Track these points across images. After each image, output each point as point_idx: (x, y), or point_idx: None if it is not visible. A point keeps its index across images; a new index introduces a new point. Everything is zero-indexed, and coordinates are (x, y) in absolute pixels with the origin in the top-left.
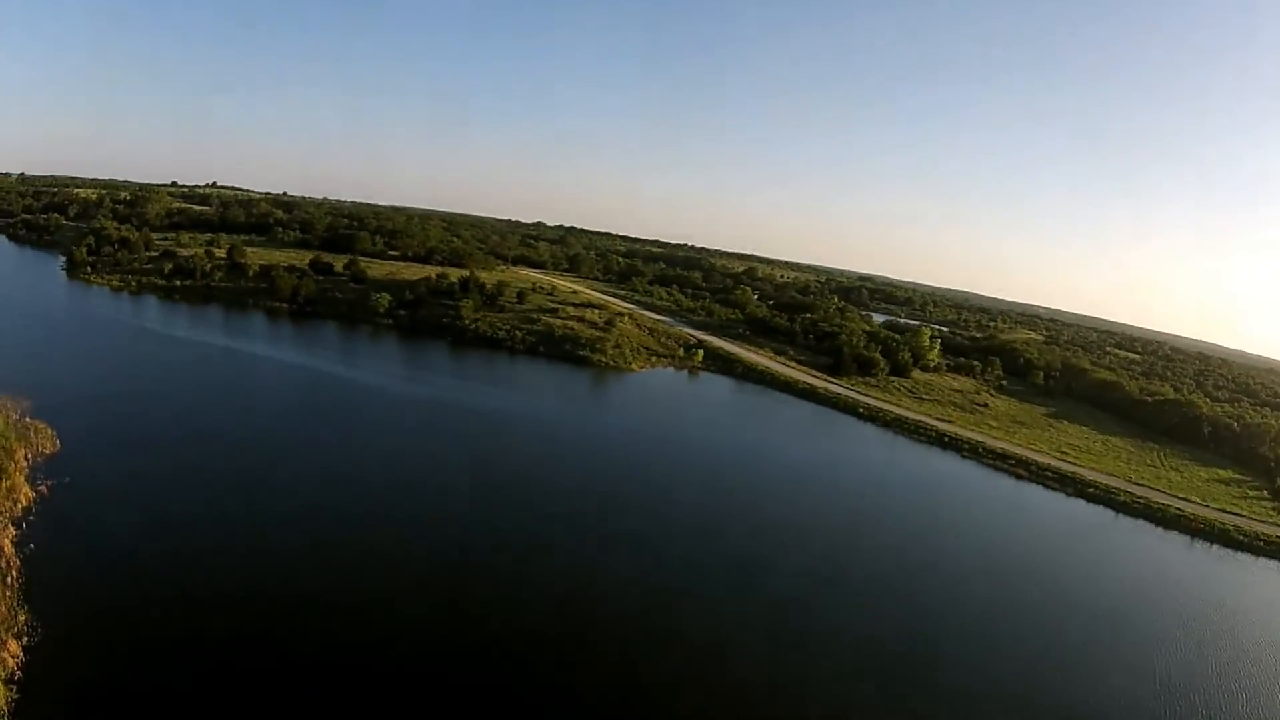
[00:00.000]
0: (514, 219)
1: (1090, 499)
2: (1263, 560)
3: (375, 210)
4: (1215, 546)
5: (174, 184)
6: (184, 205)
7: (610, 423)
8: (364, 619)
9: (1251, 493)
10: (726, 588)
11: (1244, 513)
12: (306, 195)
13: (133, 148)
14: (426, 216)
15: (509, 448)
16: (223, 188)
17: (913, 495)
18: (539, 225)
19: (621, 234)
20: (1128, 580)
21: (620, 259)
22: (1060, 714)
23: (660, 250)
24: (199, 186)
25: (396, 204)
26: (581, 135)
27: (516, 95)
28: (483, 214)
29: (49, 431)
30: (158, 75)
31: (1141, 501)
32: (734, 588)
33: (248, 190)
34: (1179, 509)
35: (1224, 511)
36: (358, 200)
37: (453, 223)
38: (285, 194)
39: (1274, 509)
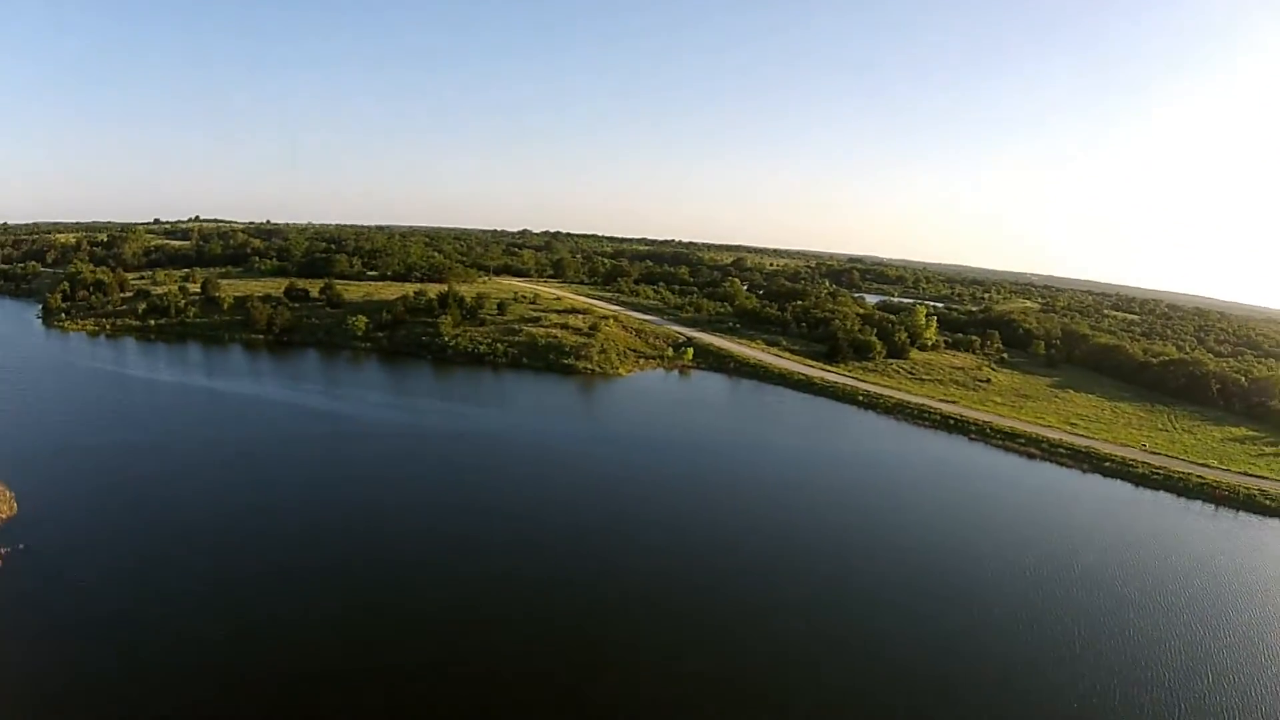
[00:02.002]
0: (500, 228)
1: (1107, 473)
2: None
3: (357, 231)
4: (1241, 513)
5: (156, 221)
6: (162, 242)
7: (592, 437)
8: (356, 688)
9: (1268, 449)
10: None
11: (1267, 474)
12: (291, 221)
13: (115, 188)
14: (409, 233)
15: (481, 476)
16: (205, 221)
17: (924, 489)
18: (524, 233)
19: (608, 235)
20: (1165, 561)
21: (605, 260)
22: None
23: (647, 248)
24: (181, 222)
25: (382, 223)
26: (564, 140)
27: (499, 106)
28: (468, 226)
29: (6, 494)
30: (138, 112)
31: (1161, 472)
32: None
33: (230, 221)
34: (1200, 476)
35: (1246, 475)
36: (343, 223)
37: (435, 237)
38: (268, 222)
39: None
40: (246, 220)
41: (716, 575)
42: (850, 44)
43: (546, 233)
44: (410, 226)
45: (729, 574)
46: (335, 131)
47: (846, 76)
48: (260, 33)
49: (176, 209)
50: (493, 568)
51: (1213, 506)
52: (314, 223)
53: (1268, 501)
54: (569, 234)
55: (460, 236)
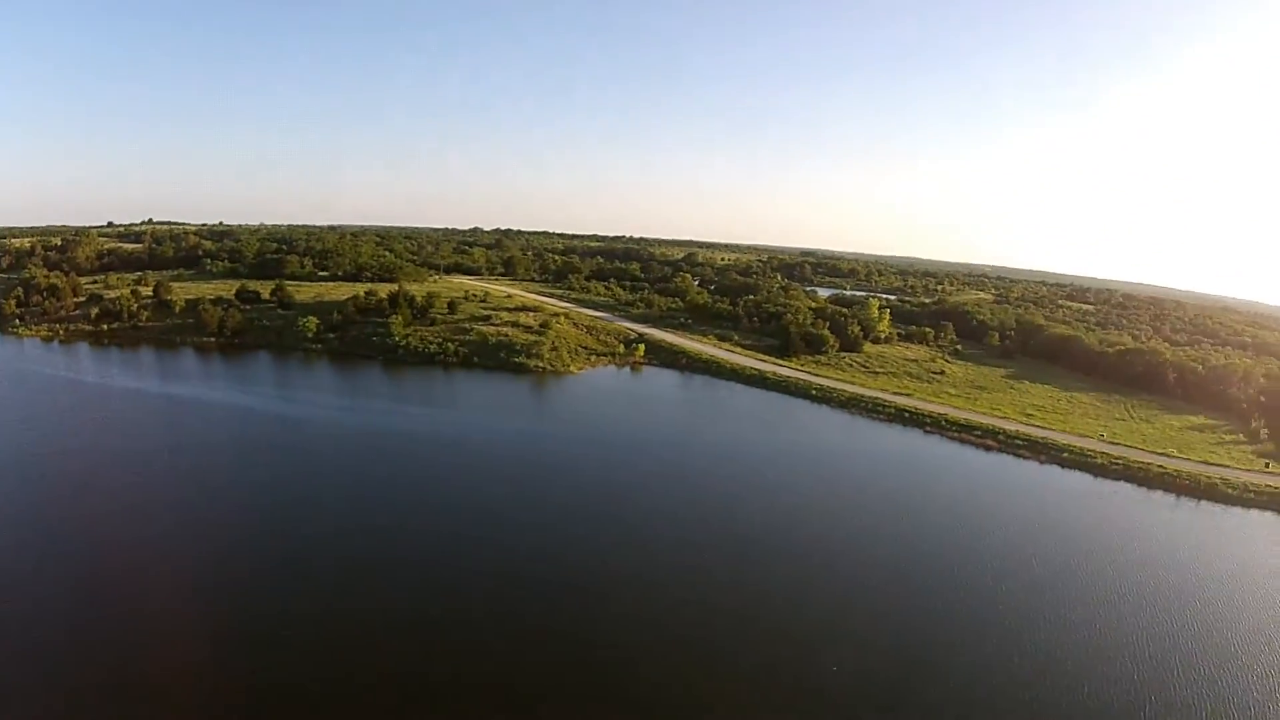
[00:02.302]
0: (451, 227)
1: (1066, 464)
2: (1255, 512)
3: (309, 231)
4: (1203, 502)
5: (109, 224)
6: (116, 245)
7: (544, 436)
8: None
9: (1228, 438)
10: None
11: (1227, 462)
12: (243, 223)
13: (70, 191)
14: (360, 233)
15: (433, 477)
16: (158, 223)
17: (882, 484)
18: (475, 231)
19: (559, 232)
20: (1129, 553)
21: (556, 257)
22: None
23: (598, 244)
24: (134, 224)
25: (334, 223)
26: (518, 136)
27: (452, 103)
28: (419, 225)
29: None
30: (91, 114)
31: (1120, 462)
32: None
33: (183, 224)
34: (1161, 466)
35: (1207, 464)
36: (295, 223)
37: (386, 236)
38: (221, 223)
39: (1254, 453)
40: (199, 222)
41: (677, 573)
42: (802, 35)
43: (498, 230)
44: (361, 226)
45: (689, 571)
46: (287, 131)
47: (797, 69)
48: (218, 28)
49: (130, 211)
50: (450, 569)
51: (1174, 496)
52: (266, 223)
53: (1230, 490)
54: (520, 231)
55: (411, 236)
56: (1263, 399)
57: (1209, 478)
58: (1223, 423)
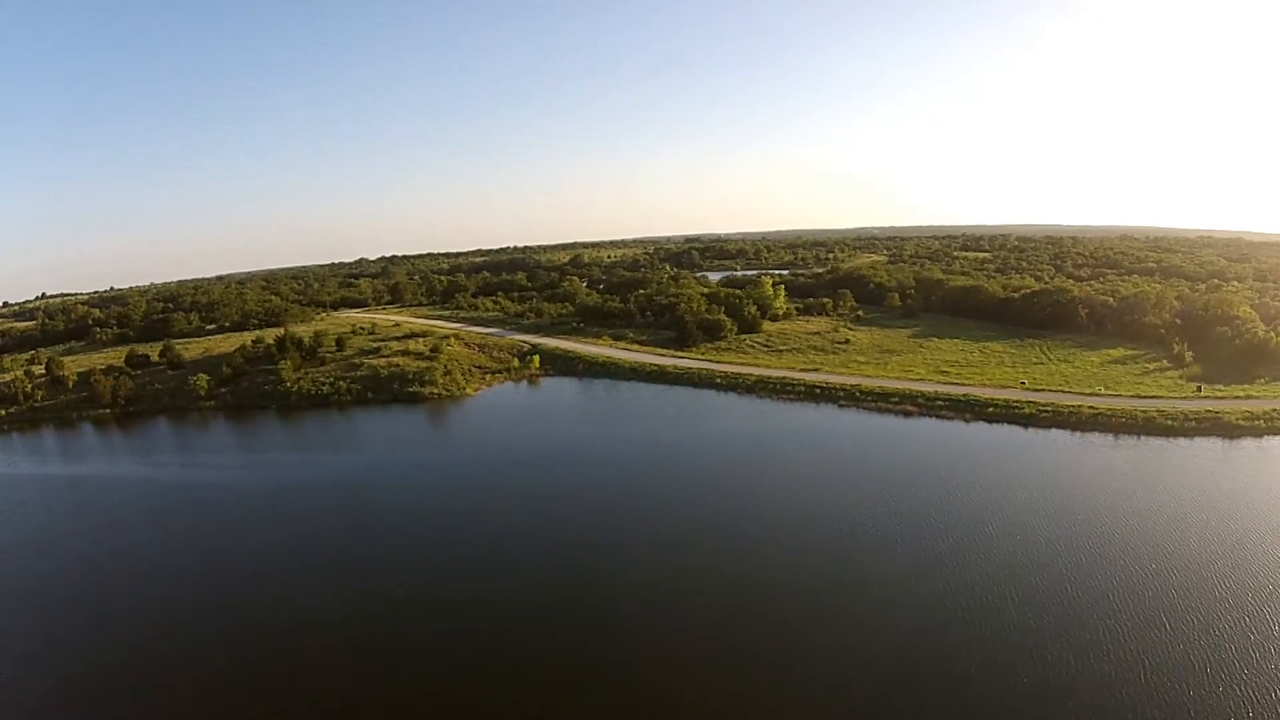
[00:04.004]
0: (337, 260)
1: (992, 419)
2: (1199, 440)
3: (196, 285)
4: (1143, 437)
5: (4, 304)
6: (10, 325)
7: (439, 464)
8: None
9: (1151, 366)
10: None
11: (1158, 392)
12: (134, 285)
13: None
14: (247, 280)
15: (331, 525)
16: (50, 298)
17: (806, 468)
18: (360, 262)
19: (444, 251)
20: (1085, 503)
21: (442, 278)
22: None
23: (483, 259)
24: (27, 301)
25: (224, 272)
26: (392, 156)
27: (312, 123)
28: (306, 263)
29: None
30: None
31: (1049, 409)
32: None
33: (74, 294)
34: (1091, 407)
35: (1138, 397)
36: (184, 279)
37: (273, 279)
38: (111, 289)
39: (1183, 378)
40: (90, 290)
41: (603, 595)
42: (676, 16)
43: (382, 258)
44: (248, 272)
45: (615, 594)
46: (168, 187)
47: (666, 53)
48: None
49: (25, 287)
50: (362, 626)
51: (1112, 436)
52: (156, 283)
53: (1169, 421)
54: (405, 256)
55: (298, 275)
56: (1179, 322)
57: (1144, 411)
58: (1144, 351)
